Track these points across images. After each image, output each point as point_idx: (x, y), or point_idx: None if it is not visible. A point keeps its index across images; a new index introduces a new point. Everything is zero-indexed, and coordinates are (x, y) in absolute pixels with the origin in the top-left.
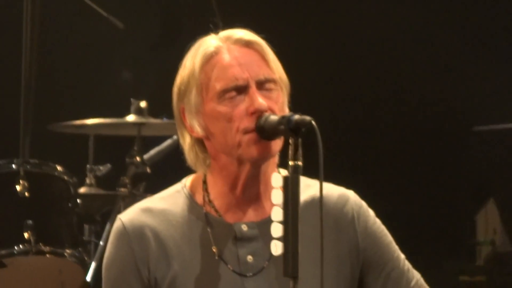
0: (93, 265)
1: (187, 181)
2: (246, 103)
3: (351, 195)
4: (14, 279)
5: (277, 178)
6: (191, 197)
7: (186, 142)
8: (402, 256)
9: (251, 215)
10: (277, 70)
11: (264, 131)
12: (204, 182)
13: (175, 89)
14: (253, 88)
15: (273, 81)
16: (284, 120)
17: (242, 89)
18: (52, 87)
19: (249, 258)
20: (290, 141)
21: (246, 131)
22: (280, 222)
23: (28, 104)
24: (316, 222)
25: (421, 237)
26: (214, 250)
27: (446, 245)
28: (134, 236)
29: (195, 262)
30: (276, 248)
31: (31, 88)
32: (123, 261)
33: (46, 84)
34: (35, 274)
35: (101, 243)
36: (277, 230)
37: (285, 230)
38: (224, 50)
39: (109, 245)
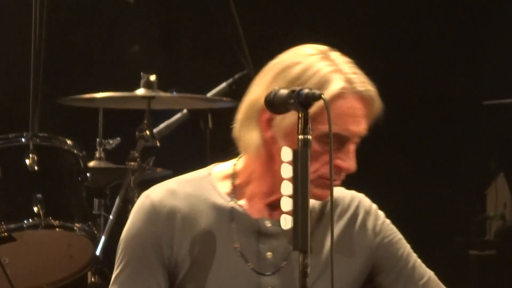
0: (102, 239)
1: (213, 170)
2: (337, 153)
3: (362, 198)
4: (23, 253)
5: (287, 152)
6: (216, 187)
7: (251, 132)
8: (414, 254)
9: (274, 213)
10: None
11: (274, 105)
12: (233, 175)
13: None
14: (352, 145)
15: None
16: (294, 94)
17: (342, 140)
18: (61, 60)
19: (269, 254)
20: (300, 115)
21: (321, 177)
22: (290, 196)
23: (37, 77)
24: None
25: (431, 212)
26: (235, 244)
27: (456, 220)
28: (163, 216)
29: (216, 252)
30: (286, 222)
31: (40, 61)
32: (148, 237)
33: (55, 57)
34: (44, 248)
35: (110, 217)
36: (286, 204)
37: (295, 203)
38: (346, 96)
39: (135, 218)
